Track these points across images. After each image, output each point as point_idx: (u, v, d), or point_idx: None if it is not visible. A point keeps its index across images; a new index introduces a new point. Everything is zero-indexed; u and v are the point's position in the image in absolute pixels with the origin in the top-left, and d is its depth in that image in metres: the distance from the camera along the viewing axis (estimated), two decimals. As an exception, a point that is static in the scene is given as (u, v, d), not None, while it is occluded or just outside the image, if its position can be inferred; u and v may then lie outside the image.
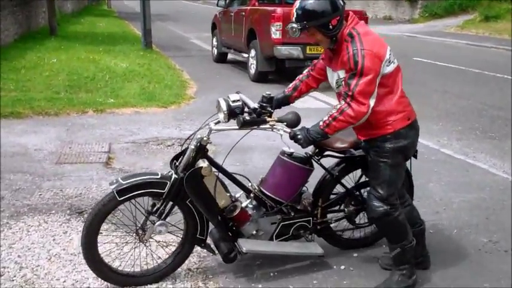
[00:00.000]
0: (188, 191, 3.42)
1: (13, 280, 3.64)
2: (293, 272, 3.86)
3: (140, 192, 3.43)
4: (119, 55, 13.82)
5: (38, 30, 18.94)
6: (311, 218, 3.86)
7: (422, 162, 6.25)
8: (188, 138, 3.58)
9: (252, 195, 3.73)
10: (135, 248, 3.67)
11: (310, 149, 3.78)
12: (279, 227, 3.76)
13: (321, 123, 3.33)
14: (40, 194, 5.08)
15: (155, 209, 3.52)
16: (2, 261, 3.86)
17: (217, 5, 14.48)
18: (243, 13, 12.26)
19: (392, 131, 3.37)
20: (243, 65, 13.00)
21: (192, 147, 3.44)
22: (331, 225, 4.05)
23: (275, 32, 10.70)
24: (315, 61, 3.80)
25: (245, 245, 3.61)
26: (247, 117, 3.40)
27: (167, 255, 3.76)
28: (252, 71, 11.67)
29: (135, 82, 10.59)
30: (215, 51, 14.48)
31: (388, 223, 3.54)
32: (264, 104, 3.59)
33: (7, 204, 4.83)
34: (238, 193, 3.78)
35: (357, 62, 3.17)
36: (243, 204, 3.68)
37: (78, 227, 4.35)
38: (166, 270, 3.69)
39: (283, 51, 10.71)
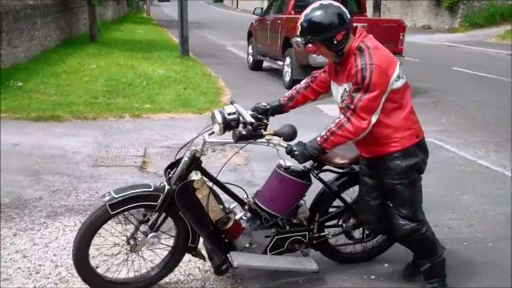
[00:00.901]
0: (179, 205, 3.37)
1: (48, 278, 3.73)
2: (322, 280, 3.86)
3: (133, 206, 3.41)
4: (156, 62, 14.02)
5: (79, 36, 19.37)
6: (307, 232, 3.74)
7: (458, 174, 6.20)
8: (181, 149, 3.51)
9: (246, 207, 3.63)
10: (127, 257, 3.64)
11: (308, 163, 3.66)
12: (274, 240, 3.65)
13: (318, 138, 3.26)
14: (77, 195, 5.20)
15: (148, 220, 3.49)
16: (38, 259, 3.97)
17: (253, 13, 14.57)
18: (279, 21, 12.31)
19: (400, 149, 3.29)
20: (278, 73, 13.03)
21: (186, 159, 3.38)
22: (329, 240, 3.94)
23: (311, 41, 10.70)
24: (315, 72, 3.71)
25: (237, 258, 3.53)
26: (243, 131, 3.29)
27: (157, 262, 3.73)
28: (287, 78, 11.70)
29: (171, 88, 10.73)
30: (250, 58, 14.57)
31: (416, 240, 3.49)
32: (260, 116, 3.49)
33: (45, 204, 4.95)
34: (233, 204, 3.69)
35: (364, 76, 3.09)
36: (237, 217, 3.59)
37: (112, 228, 4.43)
38: (156, 277, 3.66)
39: (319, 59, 10.69)
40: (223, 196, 3.65)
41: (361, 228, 3.98)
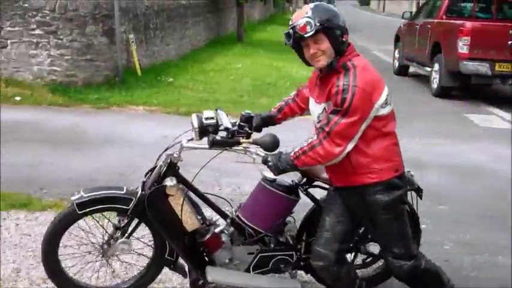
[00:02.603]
0: (148, 211, 3.18)
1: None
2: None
3: (102, 207, 3.25)
4: (300, 63, 14.10)
5: (227, 36, 20.07)
6: (294, 252, 3.43)
7: None
8: (162, 154, 3.31)
9: (228, 220, 3.39)
10: (100, 264, 3.50)
11: (297, 177, 3.39)
12: (257, 258, 3.38)
13: (292, 153, 2.96)
14: (219, 189, 5.38)
15: (122, 225, 3.33)
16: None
17: (402, 17, 14.24)
18: (429, 26, 11.90)
19: (378, 181, 2.92)
20: (423, 79, 12.61)
21: (161, 163, 3.23)
22: None
23: (462, 47, 10.25)
24: (302, 84, 3.44)
25: (212, 273, 3.30)
26: (217, 137, 3.07)
27: (134, 273, 3.63)
28: (435, 85, 11.24)
29: (314, 90, 10.74)
30: (396, 63, 14.23)
31: (419, 277, 3.14)
32: (242, 124, 3.27)
33: (190, 194, 5.14)
34: (217, 216, 3.50)
35: (344, 99, 2.74)
36: (217, 229, 3.34)
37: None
38: (138, 284, 3.51)
39: (470, 66, 10.21)
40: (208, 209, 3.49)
41: (354, 253, 3.64)
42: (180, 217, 3.22)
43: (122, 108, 8.67)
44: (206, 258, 3.39)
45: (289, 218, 3.45)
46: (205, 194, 3.44)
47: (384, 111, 2.88)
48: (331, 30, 2.82)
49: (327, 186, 3.34)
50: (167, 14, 13.11)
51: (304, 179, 3.39)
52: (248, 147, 3.11)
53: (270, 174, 3.24)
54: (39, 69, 9.89)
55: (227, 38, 19.50)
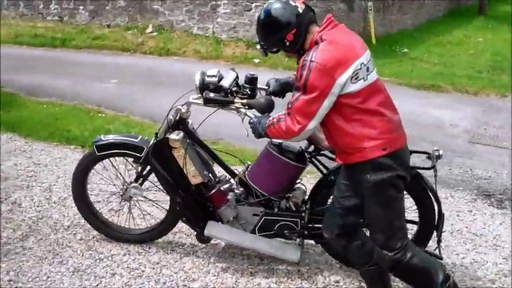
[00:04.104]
0: (151, 161, 3.34)
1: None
2: None
3: (117, 152, 3.51)
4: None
5: (467, 7, 18.96)
6: (299, 220, 3.36)
7: None
8: (172, 108, 3.33)
9: (236, 179, 3.42)
10: (122, 205, 3.75)
11: (303, 144, 3.29)
12: (262, 220, 3.38)
13: (269, 119, 2.92)
14: (450, 169, 5.15)
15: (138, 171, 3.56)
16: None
17: None
18: None
19: (363, 160, 2.72)
20: None
21: (171, 117, 3.30)
22: None
23: None
24: None
25: (211, 228, 3.39)
26: (211, 94, 3.12)
27: (155, 221, 3.76)
28: None
29: None
30: None
31: (402, 271, 2.86)
32: (246, 85, 3.20)
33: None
34: (229, 177, 3.54)
35: (301, 75, 2.67)
36: (223, 186, 3.40)
37: (484, 209, 4.29)
38: (150, 234, 3.69)
39: None
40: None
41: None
42: (184, 169, 3.33)
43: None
44: (218, 218, 3.47)
45: (299, 185, 3.42)
46: (216, 152, 3.52)
47: (356, 87, 2.69)
48: (272, 46, 2.91)
49: (333, 156, 3.15)
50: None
51: (312, 147, 3.33)
52: (239, 108, 3.13)
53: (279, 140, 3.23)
54: (278, 33, 10.31)
55: (467, 9, 18.38)
